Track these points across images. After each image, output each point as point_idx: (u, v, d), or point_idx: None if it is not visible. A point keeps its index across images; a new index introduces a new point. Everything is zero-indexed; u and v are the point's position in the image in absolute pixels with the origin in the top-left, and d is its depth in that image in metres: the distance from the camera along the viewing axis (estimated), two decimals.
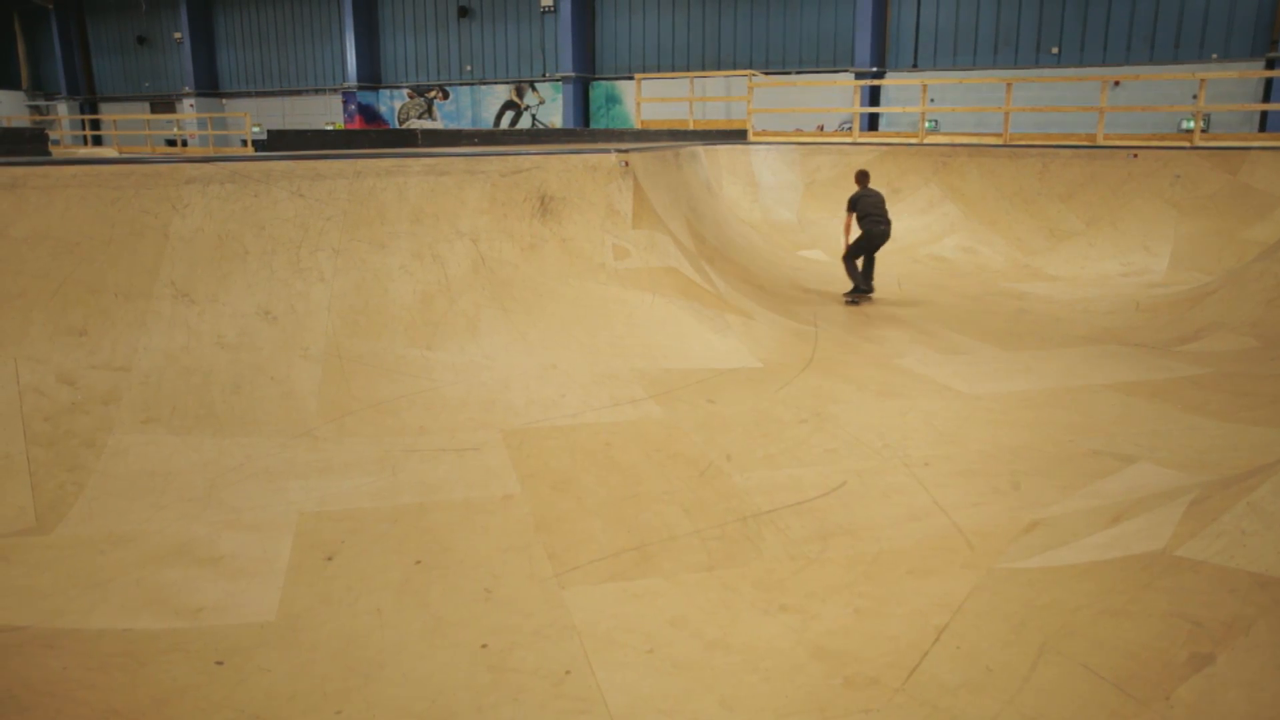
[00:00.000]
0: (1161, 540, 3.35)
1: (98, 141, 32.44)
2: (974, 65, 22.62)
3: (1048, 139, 15.28)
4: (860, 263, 9.70)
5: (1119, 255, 11.91)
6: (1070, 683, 2.78)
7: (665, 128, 18.94)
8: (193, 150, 27.51)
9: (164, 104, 36.67)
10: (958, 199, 13.44)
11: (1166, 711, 2.55)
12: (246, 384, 5.14)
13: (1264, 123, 19.39)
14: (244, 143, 26.58)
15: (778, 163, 14.97)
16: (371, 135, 14.90)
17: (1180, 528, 3.36)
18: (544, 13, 28.42)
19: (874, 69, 23.32)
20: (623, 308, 6.74)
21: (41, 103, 39.32)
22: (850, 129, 18.11)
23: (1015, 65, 22.04)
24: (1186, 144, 13.04)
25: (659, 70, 26.61)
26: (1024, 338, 8.07)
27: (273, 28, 33.93)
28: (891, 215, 9.70)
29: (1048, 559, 3.61)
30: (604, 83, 27.79)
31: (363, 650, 3.15)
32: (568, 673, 3.02)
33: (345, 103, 31.65)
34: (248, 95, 34.83)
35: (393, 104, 31.23)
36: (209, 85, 35.25)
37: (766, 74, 24.37)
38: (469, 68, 30.21)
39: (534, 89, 28.87)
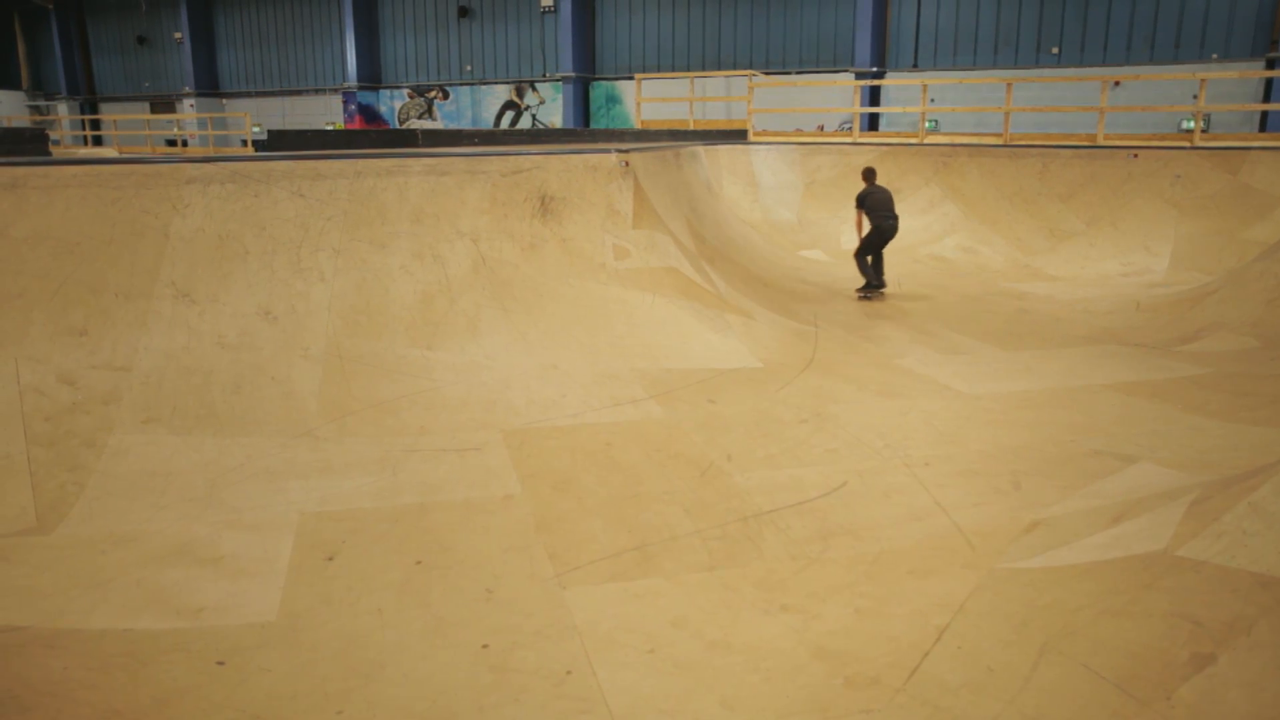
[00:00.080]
0: (1163, 540, 3.35)
1: (98, 142, 32.44)
2: (974, 65, 22.61)
3: (1048, 139, 15.28)
4: (869, 259, 9.99)
5: (1119, 255, 11.91)
6: (1071, 683, 2.78)
7: (665, 128, 18.93)
8: (193, 150, 27.51)
9: (164, 104, 36.67)
10: (958, 199, 13.44)
11: (1168, 711, 2.55)
12: (247, 384, 5.13)
13: (1264, 123, 19.38)
14: (244, 143, 26.59)
15: (778, 163, 14.97)
16: (372, 135, 14.90)
17: (1181, 528, 3.36)
18: (544, 13, 28.41)
19: (874, 69, 23.32)
20: (623, 308, 6.74)
21: (41, 103, 39.32)
22: (850, 129, 18.11)
23: (1015, 65, 22.04)
24: (1187, 144, 13.04)
25: (659, 70, 26.61)
26: (1024, 338, 8.07)
27: (273, 28, 33.92)
28: (896, 212, 9.99)
29: (1049, 559, 3.61)
30: (604, 83, 27.79)
31: (364, 650, 3.15)
32: (569, 673, 3.02)
33: (345, 103, 31.65)
34: (248, 95, 34.83)
35: (393, 104, 31.23)
36: (209, 85, 35.24)
37: (767, 74, 24.37)
38: (469, 68, 30.21)
39: (534, 89, 28.87)
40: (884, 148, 14.52)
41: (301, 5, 33.01)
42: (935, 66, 23.11)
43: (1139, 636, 2.88)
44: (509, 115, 29.37)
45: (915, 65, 23.39)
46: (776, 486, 4.55)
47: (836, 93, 23.32)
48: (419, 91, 30.76)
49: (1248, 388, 6.23)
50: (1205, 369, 6.80)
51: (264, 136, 15.51)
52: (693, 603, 3.47)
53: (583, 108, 27.97)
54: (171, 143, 31.51)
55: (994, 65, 22.33)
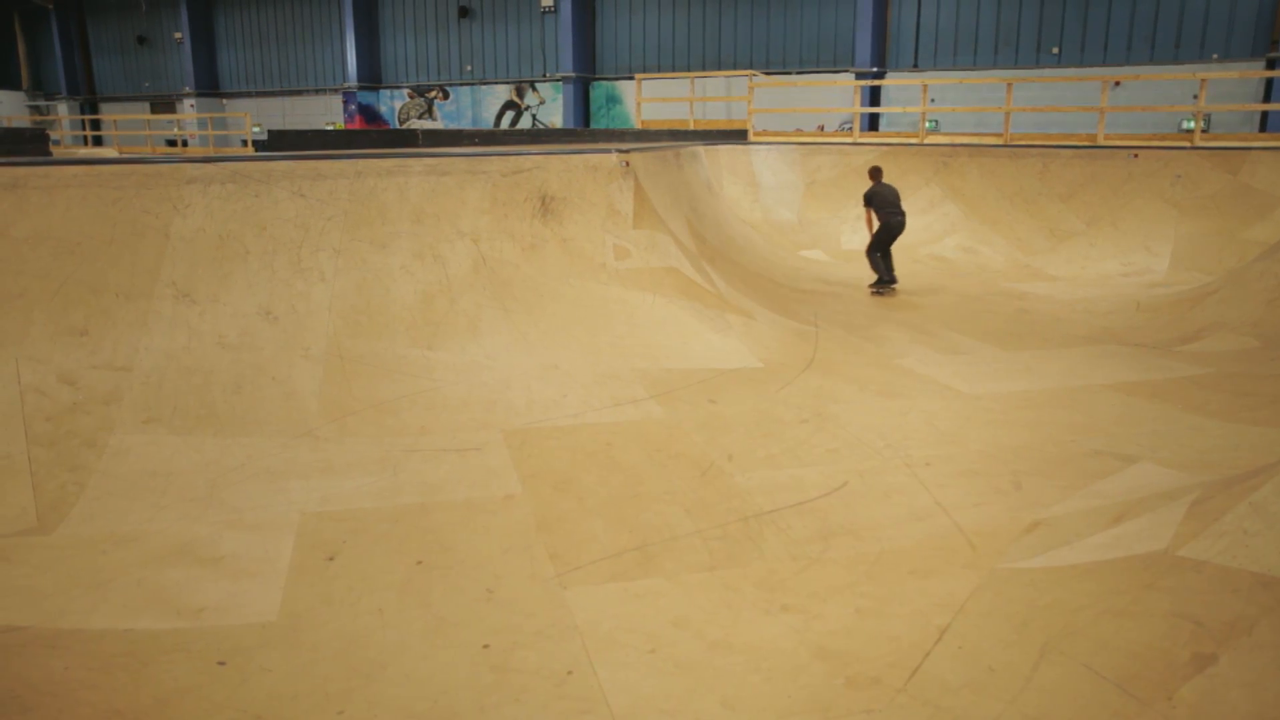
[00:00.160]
0: (1163, 540, 3.35)
1: (98, 142, 32.44)
2: (974, 65, 22.62)
3: (1048, 139, 15.28)
4: (879, 255, 10.28)
5: (1119, 255, 11.91)
6: (1073, 683, 2.78)
7: (666, 128, 18.93)
8: (193, 150, 27.52)
9: (164, 104, 36.68)
10: (958, 199, 13.44)
11: (1169, 711, 2.55)
12: (248, 384, 5.14)
13: (1264, 123, 19.39)
14: (244, 143, 26.59)
15: (778, 163, 14.97)
16: (372, 135, 14.90)
17: (1182, 528, 3.36)
18: (544, 13, 28.42)
19: (874, 69, 23.32)
20: (624, 308, 6.74)
21: (42, 103, 39.32)
22: (850, 129, 18.11)
23: (1016, 65, 22.04)
24: (1187, 144, 13.04)
25: (659, 70, 26.61)
26: (1025, 338, 8.07)
27: (273, 28, 33.93)
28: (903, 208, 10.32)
29: (1049, 559, 3.61)
30: (604, 83, 27.79)
31: (365, 650, 3.15)
32: (570, 673, 3.02)
33: (345, 103, 31.65)
34: (248, 95, 34.84)
35: (393, 104, 31.23)
36: (209, 85, 35.25)
37: (767, 74, 24.37)
38: (469, 68, 30.21)
39: (534, 89, 28.87)
40: (884, 148, 14.52)
41: (301, 5, 33.02)
42: (935, 66, 23.11)
43: (1140, 636, 2.88)
44: (509, 115, 29.37)
45: (915, 65, 23.39)
46: (777, 486, 4.55)
47: (837, 93, 23.32)
48: (419, 91, 30.77)
49: (1248, 388, 6.23)
50: (1206, 369, 6.80)
51: (264, 136, 15.51)
52: (694, 603, 3.47)
53: (583, 108, 27.97)
54: (172, 143, 31.51)
55: (994, 65, 22.33)
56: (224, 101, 35.26)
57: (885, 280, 10.21)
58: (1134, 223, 12.18)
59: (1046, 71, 21.55)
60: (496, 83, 29.62)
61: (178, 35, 35.14)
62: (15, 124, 31.47)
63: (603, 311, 6.61)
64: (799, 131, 20.40)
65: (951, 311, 9.24)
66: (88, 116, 31.02)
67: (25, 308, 4.95)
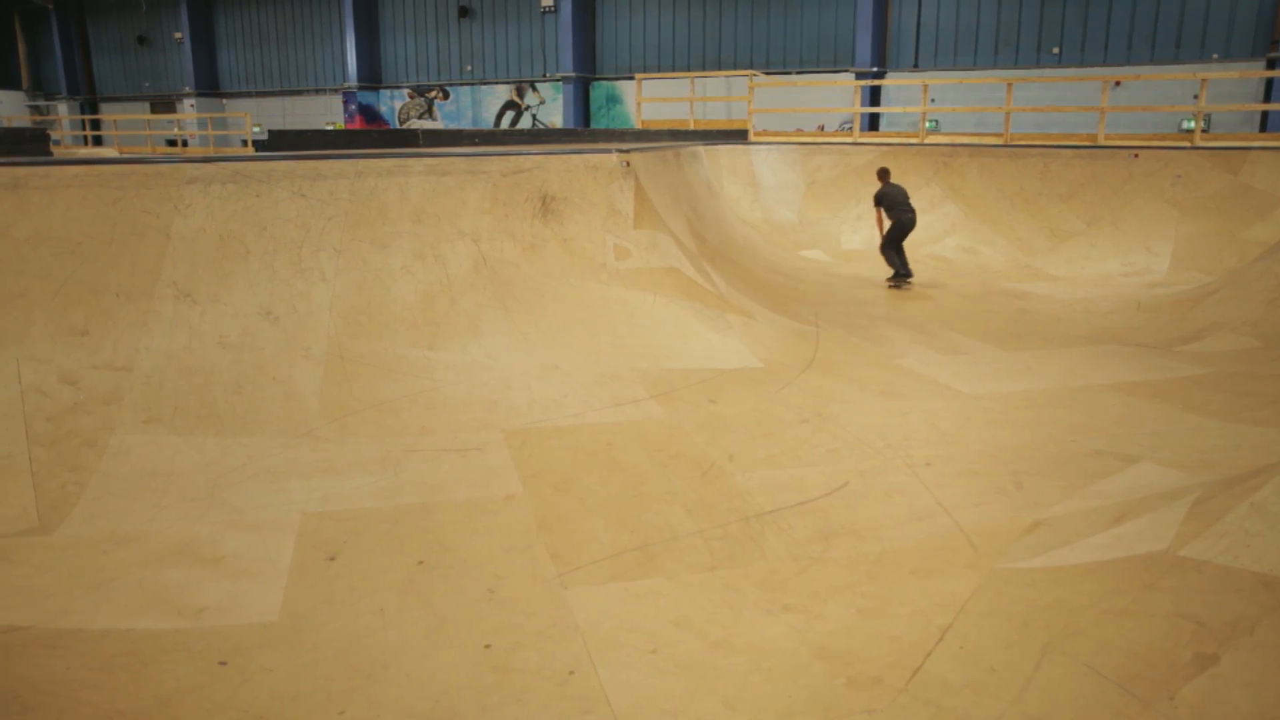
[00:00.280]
0: (1165, 540, 3.35)
1: (98, 141, 32.45)
2: (975, 65, 22.62)
3: (1048, 139, 15.28)
4: (893, 252, 10.66)
5: (1120, 255, 11.91)
6: (1074, 683, 2.78)
7: (666, 128, 18.93)
8: (193, 150, 27.52)
9: (164, 104, 36.68)
10: (958, 199, 13.44)
11: (1171, 712, 2.55)
12: (248, 384, 5.14)
13: (1265, 123, 19.39)
14: (244, 143, 26.59)
15: (778, 163, 14.97)
16: (373, 135, 14.90)
17: (1183, 528, 3.36)
18: (544, 13, 28.42)
19: (874, 69, 23.32)
20: (624, 308, 6.74)
21: (42, 103, 39.33)
22: (851, 129, 18.11)
23: (1016, 65, 22.04)
24: (1187, 144, 13.04)
25: (659, 70, 26.61)
26: (1025, 338, 8.07)
27: (273, 28, 33.93)
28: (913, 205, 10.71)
29: (1051, 559, 3.61)
30: (604, 83, 27.79)
31: (366, 650, 3.15)
32: (571, 673, 3.02)
33: (345, 103, 31.65)
34: (248, 95, 34.84)
35: (393, 104, 31.24)
36: (209, 85, 35.25)
37: (767, 74, 24.37)
38: (469, 68, 30.21)
39: (534, 89, 28.87)
40: (884, 148, 14.52)
41: (302, 5, 33.02)
42: (936, 66, 23.11)
43: (1141, 636, 2.88)
44: (509, 115, 29.37)
45: (916, 65, 23.39)
46: (778, 486, 4.55)
47: (837, 93, 23.32)
48: (419, 91, 30.77)
49: (1249, 388, 6.23)
50: (1206, 369, 6.80)
51: (264, 136, 15.51)
52: (695, 603, 3.47)
53: (583, 108, 27.97)
54: (172, 143, 31.52)
55: (994, 65, 22.33)
56: (224, 101, 35.26)
57: (902, 274, 10.56)
58: (1134, 223, 12.18)
59: (1047, 71, 21.55)
60: (497, 83, 29.62)
61: (178, 35, 35.14)
62: (15, 124, 31.48)
63: (603, 311, 6.61)
64: (799, 131, 20.40)
65: (952, 311, 9.24)
66: (88, 116, 31.03)
67: (26, 308, 4.95)
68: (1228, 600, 2.85)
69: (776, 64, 25.22)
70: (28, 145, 11.93)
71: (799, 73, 24.72)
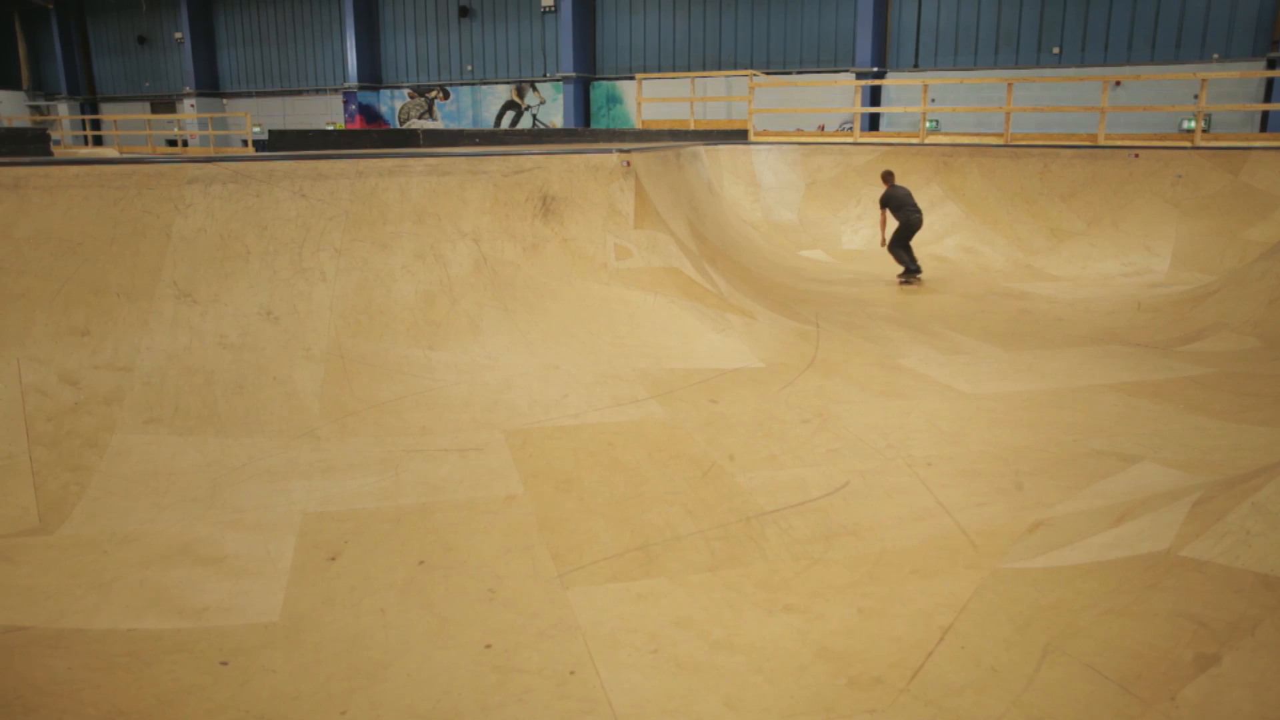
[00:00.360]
0: (1166, 540, 3.34)
1: (99, 142, 32.46)
2: (975, 65, 22.62)
3: (1049, 139, 15.29)
4: (901, 250, 10.91)
5: (1120, 255, 11.91)
6: (1075, 683, 2.78)
7: (666, 128, 18.94)
8: (194, 150, 27.52)
9: (165, 104, 36.70)
10: (959, 199, 13.44)
11: (1172, 712, 2.55)
12: (249, 384, 5.14)
13: (1265, 123, 19.40)
14: (245, 143, 26.60)
15: (779, 163, 14.97)
16: (373, 135, 14.89)
17: (1185, 528, 3.36)
18: (545, 12, 28.42)
19: (875, 69, 23.32)
20: (625, 308, 6.74)
21: (42, 103, 39.34)
22: (851, 129, 18.11)
23: (1016, 65, 22.05)
24: (1188, 144, 13.04)
25: (660, 70, 26.62)
26: (1026, 338, 8.07)
27: (273, 28, 33.94)
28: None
29: (1052, 559, 3.61)
30: (605, 83, 27.79)
31: (367, 650, 3.15)
32: (572, 673, 3.02)
33: (346, 103, 31.66)
34: (248, 95, 34.85)
35: (393, 104, 31.24)
36: (210, 85, 35.26)
37: (767, 74, 24.38)
38: (470, 68, 30.22)
39: (535, 89, 28.88)
40: (885, 148, 14.52)
41: (302, 5, 33.03)
42: (936, 66, 23.12)
43: (1143, 637, 2.88)
44: (510, 115, 29.38)
45: (916, 65, 23.40)
46: (779, 486, 4.55)
47: (837, 93, 23.33)
48: (420, 91, 30.77)
49: (1250, 388, 6.23)
50: (1207, 369, 6.80)
51: (265, 136, 15.51)
52: (696, 603, 3.47)
53: (583, 108, 27.98)
54: (172, 143, 31.54)
55: (995, 65, 22.34)
56: (224, 101, 35.28)
57: (912, 270, 10.81)
58: (1135, 223, 12.18)
59: (1047, 71, 21.55)
60: (497, 83, 29.62)
61: (178, 35, 35.16)
62: (16, 124, 31.48)
63: (604, 311, 6.61)
64: (799, 131, 20.41)
65: (952, 311, 9.24)
66: (88, 116, 31.04)
67: (27, 308, 4.95)
68: (1229, 600, 2.85)
69: (777, 64, 25.22)
70: (28, 145, 11.93)
71: (799, 73, 24.73)
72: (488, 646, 3.18)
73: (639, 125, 19.63)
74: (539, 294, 6.44)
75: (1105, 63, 21.11)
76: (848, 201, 14.19)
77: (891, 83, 21.84)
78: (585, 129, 24.13)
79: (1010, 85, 15.56)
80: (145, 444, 4.65)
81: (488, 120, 29.61)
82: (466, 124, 29.72)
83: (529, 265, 6.55)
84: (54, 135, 26.56)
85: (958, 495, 4.43)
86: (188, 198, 5.56)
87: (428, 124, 30.43)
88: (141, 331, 5.13)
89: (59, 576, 3.61)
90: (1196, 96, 14.86)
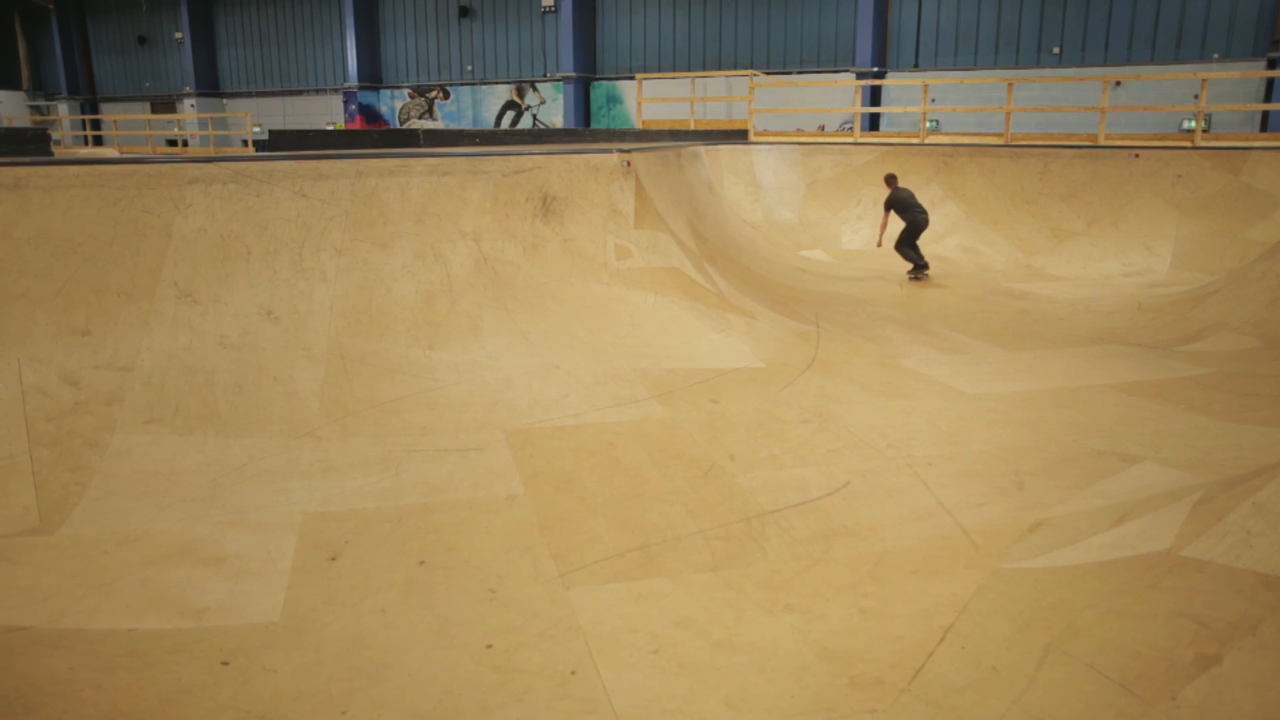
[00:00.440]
0: (1167, 540, 3.34)
1: (99, 141, 32.46)
2: (975, 65, 22.62)
3: (1049, 139, 15.29)
4: (908, 248, 11.14)
5: (1121, 255, 11.91)
6: (1076, 683, 2.78)
7: (666, 128, 18.94)
8: (194, 150, 27.52)
9: (165, 104, 36.70)
10: (959, 199, 13.44)
11: (1173, 712, 2.55)
12: (249, 384, 5.14)
13: (1265, 123, 19.40)
14: (245, 143, 26.60)
15: (779, 163, 14.97)
16: (374, 135, 14.89)
17: (1185, 528, 3.36)
18: (545, 12, 28.42)
19: (875, 69, 23.33)
20: (625, 308, 6.74)
21: (42, 103, 39.34)
22: (851, 129, 18.11)
23: (1016, 65, 22.05)
24: (1188, 144, 13.04)
25: (660, 70, 26.62)
26: (1026, 338, 8.07)
27: (273, 28, 33.94)
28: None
29: (1052, 559, 3.61)
30: (605, 83, 27.80)
31: (368, 650, 3.15)
32: (573, 673, 3.02)
33: (346, 103, 31.67)
34: (248, 95, 34.86)
35: (393, 104, 31.24)
36: (210, 85, 35.27)
37: (768, 74, 24.38)
38: (470, 68, 30.22)
39: (535, 89, 28.88)
40: (885, 148, 14.52)
41: (302, 5, 33.03)
42: (936, 66, 23.12)
43: (1143, 637, 2.88)
44: (510, 115, 29.38)
45: (916, 65, 23.40)
46: (779, 486, 4.55)
47: (837, 93, 23.34)
48: (420, 91, 30.77)
49: (1250, 388, 6.23)
50: (1207, 369, 6.80)
51: (265, 136, 15.51)
52: (696, 603, 3.47)
53: (584, 108, 27.98)
54: (172, 143, 31.54)
55: (995, 65, 22.34)
56: (224, 101, 35.28)
57: (920, 266, 11.03)
58: (1135, 223, 12.18)
59: (1047, 71, 21.56)
60: (497, 83, 29.63)
61: (178, 35, 35.16)
62: (16, 124, 31.48)
63: (604, 311, 6.61)
64: (800, 131, 20.41)
65: (953, 311, 9.24)
66: (88, 116, 31.04)
67: (27, 308, 4.95)
68: (1230, 600, 2.85)
69: (777, 64, 25.22)
70: (29, 145, 11.92)
71: (799, 73, 24.73)
72: (489, 646, 3.18)
73: (639, 125, 19.63)
74: (539, 294, 6.44)
75: (1105, 63, 21.12)
76: (848, 201, 14.19)
77: (891, 83, 21.84)
78: (585, 129, 24.13)
79: (1010, 85, 15.57)
80: (146, 444, 4.65)
81: (488, 120, 29.61)
82: (466, 124, 29.72)
83: (529, 265, 6.55)
84: (54, 135, 26.56)
85: (958, 495, 4.43)
86: (188, 198, 5.56)
87: (428, 124, 30.43)
88: (142, 331, 5.13)
89: (59, 576, 3.61)
90: (1196, 96, 14.86)
